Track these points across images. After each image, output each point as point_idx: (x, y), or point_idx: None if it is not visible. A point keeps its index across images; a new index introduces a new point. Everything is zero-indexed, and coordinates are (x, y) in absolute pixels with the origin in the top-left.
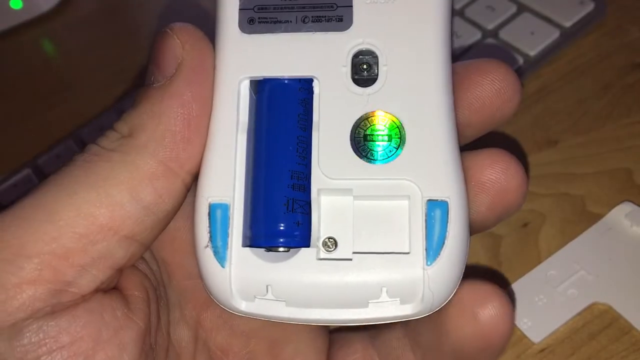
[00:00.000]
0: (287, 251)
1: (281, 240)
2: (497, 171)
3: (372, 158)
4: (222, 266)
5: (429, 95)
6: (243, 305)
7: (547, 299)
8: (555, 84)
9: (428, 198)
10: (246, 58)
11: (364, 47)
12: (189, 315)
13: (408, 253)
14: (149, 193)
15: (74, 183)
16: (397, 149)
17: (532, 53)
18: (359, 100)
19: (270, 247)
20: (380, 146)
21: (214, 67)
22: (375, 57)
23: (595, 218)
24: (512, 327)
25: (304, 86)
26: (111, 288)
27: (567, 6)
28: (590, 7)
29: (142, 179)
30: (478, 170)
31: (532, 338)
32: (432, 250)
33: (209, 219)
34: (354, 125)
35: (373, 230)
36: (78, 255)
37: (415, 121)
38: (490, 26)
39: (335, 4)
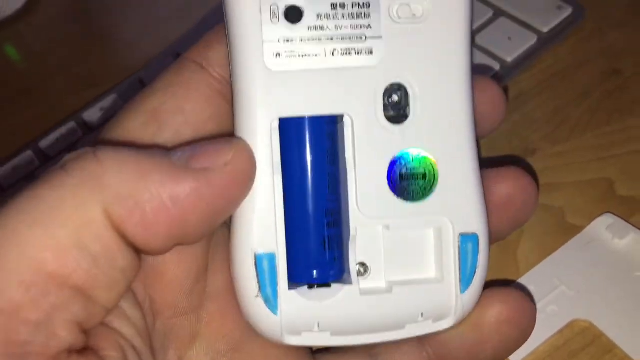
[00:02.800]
0: (329, 286)
1: (322, 277)
2: (515, 188)
3: (408, 197)
4: (275, 313)
5: (459, 130)
6: (292, 340)
7: None
8: (533, 91)
9: (461, 232)
10: (276, 97)
11: (395, 81)
12: (172, 359)
13: (441, 281)
14: (93, 243)
15: (18, 219)
16: (432, 186)
17: (509, 59)
18: (393, 139)
19: (315, 285)
20: (415, 185)
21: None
22: (406, 91)
23: (575, 230)
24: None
25: (330, 120)
26: (83, 348)
27: (544, 11)
28: (568, 11)
29: (90, 223)
30: (498, 189)
31: (511, 357)
32: (466, 279)
33: (256, 269)
34: (390, 164)
35: (405, 262)
36: (29, 309)
37: (447, 158)
38: None
39: (364, 35)
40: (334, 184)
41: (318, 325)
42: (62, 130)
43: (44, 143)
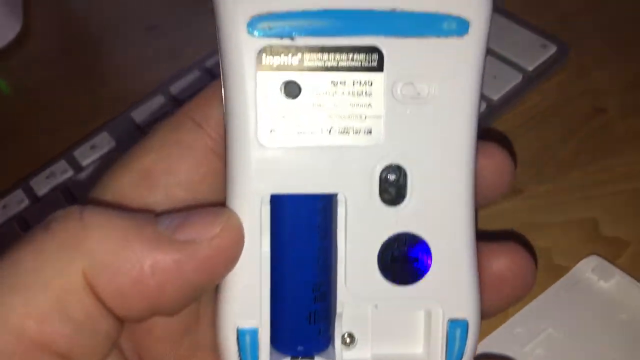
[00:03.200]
0: (312, 358)
1: (305, 349)
2: (515, 267)
3: (398, 280)
4: None
5: (456, 214)
6: None
7: None
8: (519, 130)
9: (450, 318)
10: (268, 173)
11: (393, 162)
12: None
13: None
14: (74, 308)
15: (1, 283)
16: (423, 271)
17: (495, 97)
18: (387, 221)
19: (296, 358)
20: (407, 268)
21: (227, 182)
22: (404, 173)
23: (562, 271)
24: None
25: (324, 195)
26: None
27: (529, 49)
28: (552, 50)
29: (72, 289)
30: (498, 266)
31: None
32: None
33: (238, 344)
34: (381, 247)
35: (392, 335)
36: None
37: (443, 243)
38: None
39: (364, 114)
40: (324, 258)
41: None
42: (53, 168)
43: (35, 182)
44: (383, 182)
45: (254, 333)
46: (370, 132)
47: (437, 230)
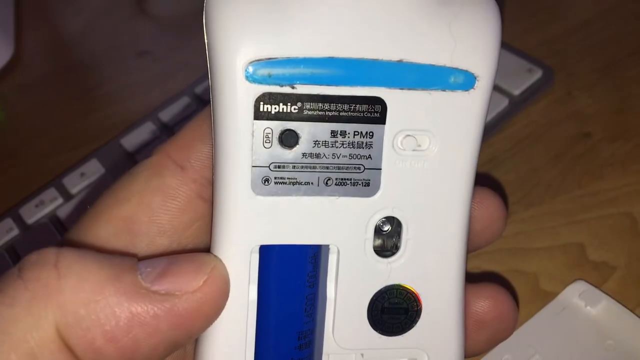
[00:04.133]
0: None
1: None
2: (497, 311)
3: (387, 331)
4: None
5: (449, 268)
6: None
7: None
8: (505, 154)
9: None
10: (259, 224)
11: (389, 215)
12: None
13: None
14: None
15: None
16: (412, 322)
17: None
18: (380, 273)
19: None
20: (396, 319)
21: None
22: (399, 225)
23: (549, 297)
24: None
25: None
26: None
27: (515, 74)
28: (538, 74)
29: (43, 343)
30: (480, 309)
31: None
32: None
33: None
34: (372, 298)
35: None
36: None
37: (434, 295)
38: None
39: (362, 165)
40: (311, 305)
41: None
42: (42, 196)
43: (24, 210)
44: (377, 234)
45: None
46: (368, 184)
47: (429, 283)
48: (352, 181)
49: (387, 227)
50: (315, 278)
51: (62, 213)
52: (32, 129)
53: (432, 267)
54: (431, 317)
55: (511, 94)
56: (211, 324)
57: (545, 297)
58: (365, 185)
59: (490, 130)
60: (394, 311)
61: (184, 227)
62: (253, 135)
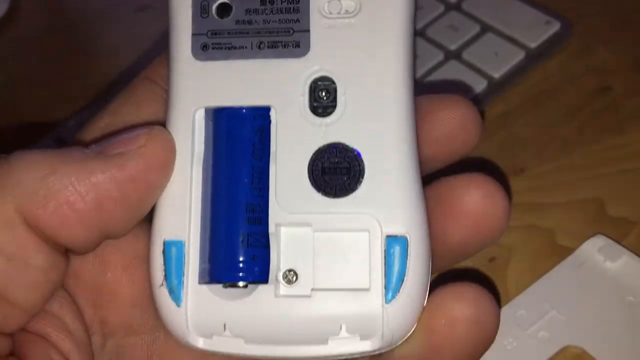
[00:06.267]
0: (246, 287)
1: (238, 275)
2: (476, 196)
3: (331, 192)
4: (178, 305)
5: (389, 125)
6: (200, 343)
7: (517, 343)
8: (521, 108)
9: (387, 234)
10: (200, 87)
11: (321, 74)
12: None
13: (368, 289)
14: (6, 242)
15: None
16: (357, 182)
17: (497, 75)
18: (317, 131)
19: (228, 284)
20: (339, 179)
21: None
22: (333, 84)
23: (566, 252)
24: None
25: (260, 113)
26: (9, 354)
27: (532, 26)
28: (556, 27)
29: (3, 223)
30: (455, 196)
31: None
32: (391, 287)
33: (164, 256)
34: (311, 158)
35: (334, 263)
36: None
37: (375, 153)
38: (452, 47)
39: (291, 28)
40: (260, 179)
41: (229, 329)
42: (39, 146)
43: None
44: (312, 93)
45: (181, 246)
46: (299, 45)
47: (370, 141)
48: (283, 43)
49: (322, 88)
50: (262, 151)
51: None
52: (29, 82)
53: (372, 127)
54: (376, 178)
55: (527, 46)
56: (164, 179)
57: (562, 252)
58: (295, 47)
59: (505, 84)
60: (335, 171)
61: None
62: (192, 7)
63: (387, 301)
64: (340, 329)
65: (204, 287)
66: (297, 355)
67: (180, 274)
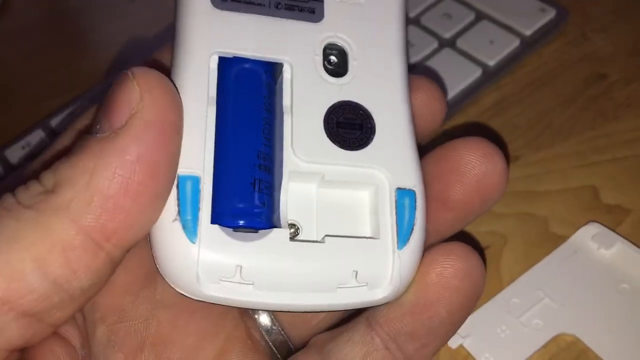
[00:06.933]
0: (256, 232)
1: (248, 219)
2: (477, 155)
3: (345, 144)
4: (192, 242)
5: (395, 90)
6: (208, 289)
7: (510, 331)
8: (515, 96)
9: (397, 187)
10: (217, 33)
11: (334, 40)
12: None
13: (378, 238)
14: (59, 266)
15: None
16: (368, 138)
17: (491, 63)
18: (332, 89)
19: (237, 228)
20: (352, 134)
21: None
22: (344, 52)
23: (559, 240)
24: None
25: (268, 70)
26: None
27: (527, 13)
28: (551, 14)
29: (54, 247)
30: (457, 155)
31: None
32: (403, 235)
33: (178, 190)
34: (327, 112)
35: (338, 217)
36: None
37: (384, 114)
38: (447, 35)
39: None
40: (269, 130)
41: (240, 271)
42: (29, 138)
43: (10, 151)
44: (326, 55)
45: (196, 181)
46: (314, 12)
47: (379, 103)
48: (299, 7)
49: (335, 52)
50: (271, 105)
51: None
52: (22, 73)
53: (380, 92)
54: (385, 137)
55: (522, 34)
56: (179, 126)
57: (556, 240)
58: (310, 12)
59: (500, 71)
60: (349, 126)
61: None
62: None
63: (399, 248)
64: (351, 276)
65: (217, 227)
66: (304, 303)
67: (196, 209)
